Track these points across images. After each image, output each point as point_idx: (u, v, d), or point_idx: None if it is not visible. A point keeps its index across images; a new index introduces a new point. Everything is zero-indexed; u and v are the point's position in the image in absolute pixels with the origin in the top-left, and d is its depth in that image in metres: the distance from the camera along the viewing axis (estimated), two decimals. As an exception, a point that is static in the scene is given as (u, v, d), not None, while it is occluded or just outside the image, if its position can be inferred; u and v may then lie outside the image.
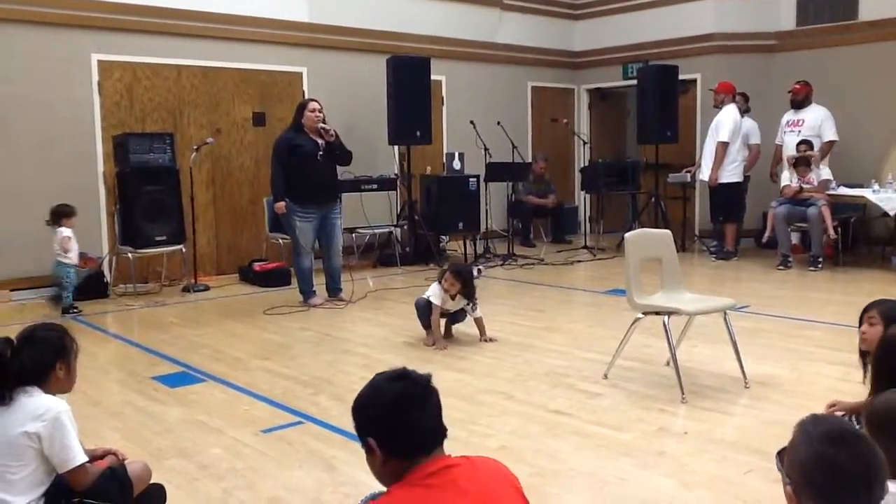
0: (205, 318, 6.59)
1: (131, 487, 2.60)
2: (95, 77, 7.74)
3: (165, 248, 7.61)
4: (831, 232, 7.97)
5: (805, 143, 8.48)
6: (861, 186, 8.27)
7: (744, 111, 9.19)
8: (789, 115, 9.03)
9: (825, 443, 1.57)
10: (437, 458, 1.78)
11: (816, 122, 8.75)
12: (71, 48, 7.58)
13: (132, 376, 4.86)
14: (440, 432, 1.84)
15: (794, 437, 1.65)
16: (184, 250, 7.67)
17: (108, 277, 7.59)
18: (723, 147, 8.81)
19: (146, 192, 7.44)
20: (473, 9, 10.75)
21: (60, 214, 6.75)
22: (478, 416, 3.92)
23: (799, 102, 8.87)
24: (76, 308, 6.78)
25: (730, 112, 8.89)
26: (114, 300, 7.29)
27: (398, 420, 1.79)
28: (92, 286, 7.20)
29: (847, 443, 1.58)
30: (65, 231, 6.71)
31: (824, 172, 8.31)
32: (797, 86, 8.89)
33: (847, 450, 1.56)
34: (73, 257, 6.76)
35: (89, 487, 2.48)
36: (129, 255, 7.36)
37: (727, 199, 8.97)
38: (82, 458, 2.45)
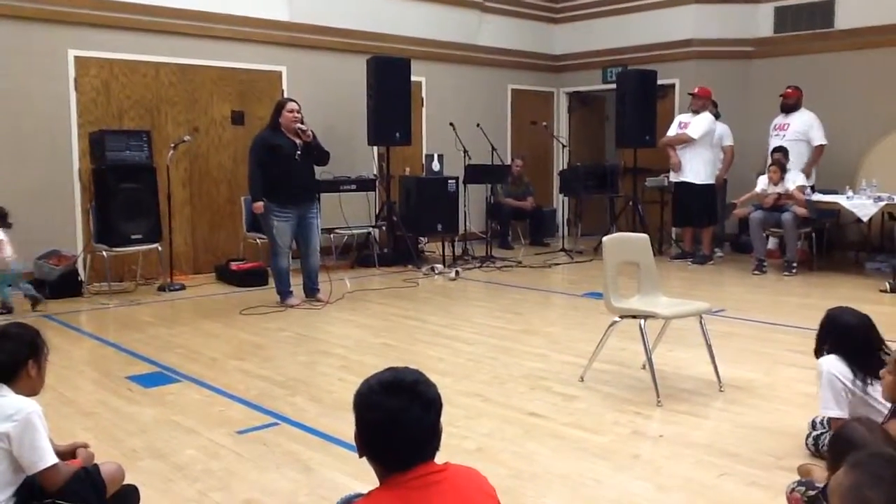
0: (180, 317, 6.54)
1: (104, 488, 2.58)
2: (72, 73, 7.66)
3: (141, 247, 7.52)
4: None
5: (779, 151, 8.56)
6: (835, 193, 8.36)
7: (715, 115, 9.30)
8: (778, 119, 9.12)
9: None
10: (421, 465, 1.74)
11: (804, 126, 8.85)
12: (47, 43, 7.48)
13: (106, 376, 4.81)
14: (430, 449, 1.76)
15: (852, 479, 1.47)
16: (160, 249, 7.59)
17: (82, 276, 7.50)
18: (688, 139, 8.97)
19: (122, 190, 7.36)
20: (454, 11, 10.77)
21: None
22: (455, 417, 3.91)
23: (790, 106, 8.97)
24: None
25: (707, 117, 9.03)
26: (88, 299, 7.21)
27: (383, 439, 1.73)
28: (66, 284, 7.12)
29: None
30: None
31: (799, 178, 8.39)
32: (789, 90, 8.99)
33: None
34: (7, 261, 6.41)
35: (62, 488, 2.45)
36: (104, 253, 7.26)
37: (701, 202, 9.04)
38: (52, 460, 2.43)
